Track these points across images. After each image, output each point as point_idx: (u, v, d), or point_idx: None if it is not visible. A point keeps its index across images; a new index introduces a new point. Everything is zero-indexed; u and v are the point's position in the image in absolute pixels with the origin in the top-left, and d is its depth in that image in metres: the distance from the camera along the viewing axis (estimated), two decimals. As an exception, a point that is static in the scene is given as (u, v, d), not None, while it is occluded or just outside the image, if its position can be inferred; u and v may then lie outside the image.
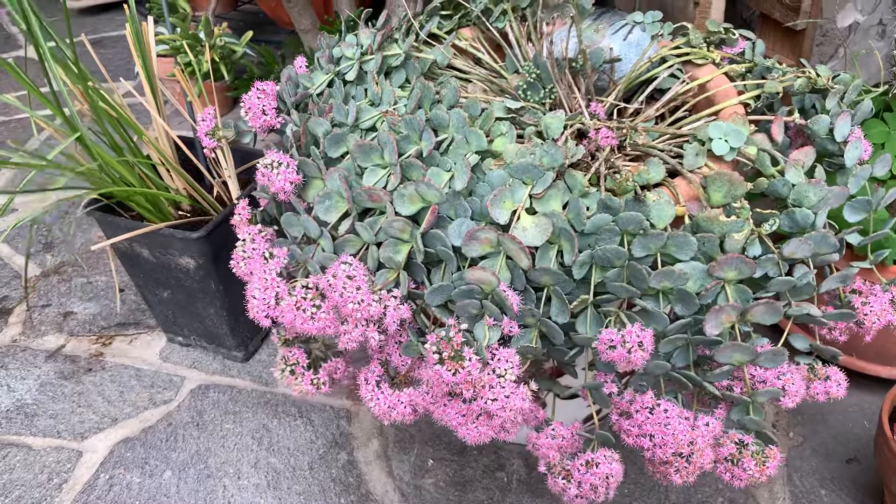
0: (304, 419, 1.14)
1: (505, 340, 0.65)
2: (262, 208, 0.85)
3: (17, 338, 1.34)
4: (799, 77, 0.83)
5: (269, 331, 1.29)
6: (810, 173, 0.73)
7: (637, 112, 0.87)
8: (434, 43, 0.95)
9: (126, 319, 1.36)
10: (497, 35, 0.95)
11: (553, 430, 0.68)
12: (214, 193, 1.19)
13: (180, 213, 1.19)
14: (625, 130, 0.78)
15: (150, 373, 1.24)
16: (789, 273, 0.69)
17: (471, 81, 0.92)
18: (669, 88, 0.87)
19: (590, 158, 0.76)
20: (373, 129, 0.80)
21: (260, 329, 1.26)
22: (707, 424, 0.65)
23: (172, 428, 1.15)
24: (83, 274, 1.47)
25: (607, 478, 0.66)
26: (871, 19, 1.41)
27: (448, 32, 0.98)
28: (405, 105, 0.80)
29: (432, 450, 1.08)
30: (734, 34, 0.91)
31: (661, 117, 0.88)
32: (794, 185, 0.70)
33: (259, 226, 0.77)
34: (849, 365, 1.09)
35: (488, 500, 1.01)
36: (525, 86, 0.84)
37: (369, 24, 0.96)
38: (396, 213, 0.68)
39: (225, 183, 1.19)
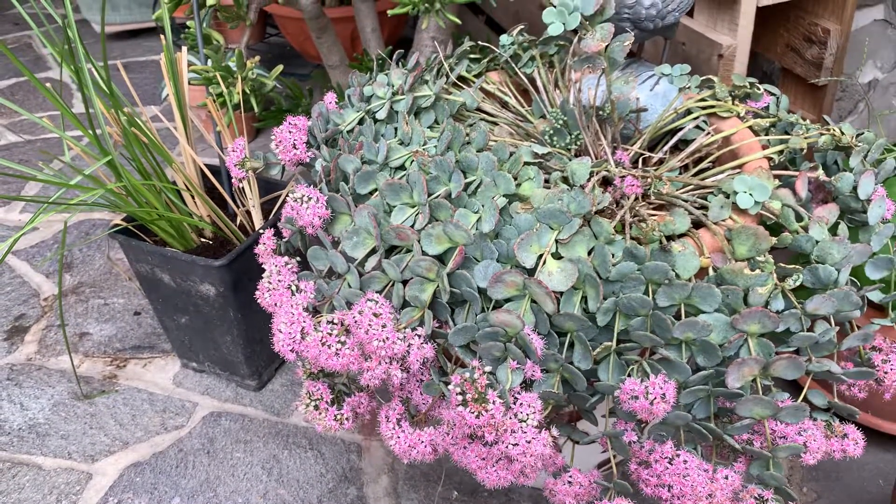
0: (315, 451, 1.14)
1: (526, 384, 0.65)
2: (285, 239, 0.86)
3: (32, 356, 1.35)
4: (823, 134, 0.84)
5: (283, 361, 1.29)
6: (833, 230, 0.74)
7: (661, 161, 0.88)
8: (462, 85, 0.97)
9: (141, 342, 1.36)
10: (525, 80, 0.96)
11: (570, 476, 0.68)
12: (237, 222, 1.21)
13: (202, 239, 1.20)
14: (649, 179, 0.79)
15: (162, 397, 1.25)
16: (810, 329, 0.69)
17: (497, 124, 0.94)
18: (693, 140, 0.88)
19: (614, 205, 0.77)
20: (402, 167, 0.81)
21: (274, 359, 1.26)
22: (726, 477, 0.65)
23: (183, 454, 1.14)
24: (100, 295, 1.48)
25: (624, 528, 0.65)
26: (892, 77, 1.43)
27: (477, 76, 0.99)
28: (434, 146, 0.81)
29: (442, 489, 1.07)
30: (759, 89, 0.92)
31: (685, 167, 0.89)
32: (818, 242, 0.71)
33: (286, 258, 0.78)
34: (865, 422, 1.09)
35: (497, 543, 1.01)
36: (552, 131, 0.85)
37: (399, 64, 0.98)
38: (423, 253, 0.69)
39: (248, 212, 1.20)
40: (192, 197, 1.17)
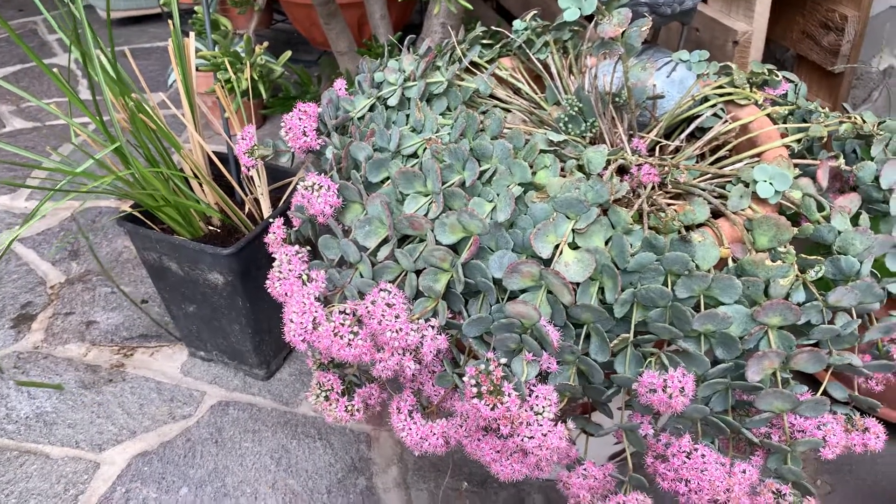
0: (324, 441, 1.13)
1: (542, 377, 0.64)
2: (295, 228, 0.85)
3: (39, 344, 1.34)
4: (844, 122, 0.82)
5: (292, 350, 1.28)
6: (854, 220, 0.72)
7: (677, 149, 0.87)
8: (475, 70, 0.96)
9: (148, 331, 1.36)
10: (539, 66, 0.95)
11: (585, 469, 0.67)
12: (245, 210, 1.20)
13: (210, 227, 1.19)
14: (667, 168, 0.78)
15: (170, 386, 1.24)
16: (831, 321, 0.68)
17: (510, 111, 0.92)
18: (711, 127, 0.87)
19: (631, 194, 0.76)
20: (414, 155, 0.79)
21: (282, 348, 1.26)
22: (744, 472, 0.64)
23: (191, 444, 1.14)
24: (107, 283, 1.47)
25: (640, 522, 0.64)
26: (908, 65, 1.40)
27: (489, 62, 0.98)
28: (448, 133, 0.80)
29: (452, 480, 1.07)
30: (777, 76, 0.91)
31: (702, 156, 0.87)
32: (840, 233, 0.69)
33: (297, 247, 0.77)
34: (879, 414, 1.07)
35: (507, 534, 1.00)
36: (566, 118, 0.84)
37: (410, 49, 0.97)
38: (437, 242, 0.68)
39: (256, 199, 1.19)
40: (200, 184, 1.16)
